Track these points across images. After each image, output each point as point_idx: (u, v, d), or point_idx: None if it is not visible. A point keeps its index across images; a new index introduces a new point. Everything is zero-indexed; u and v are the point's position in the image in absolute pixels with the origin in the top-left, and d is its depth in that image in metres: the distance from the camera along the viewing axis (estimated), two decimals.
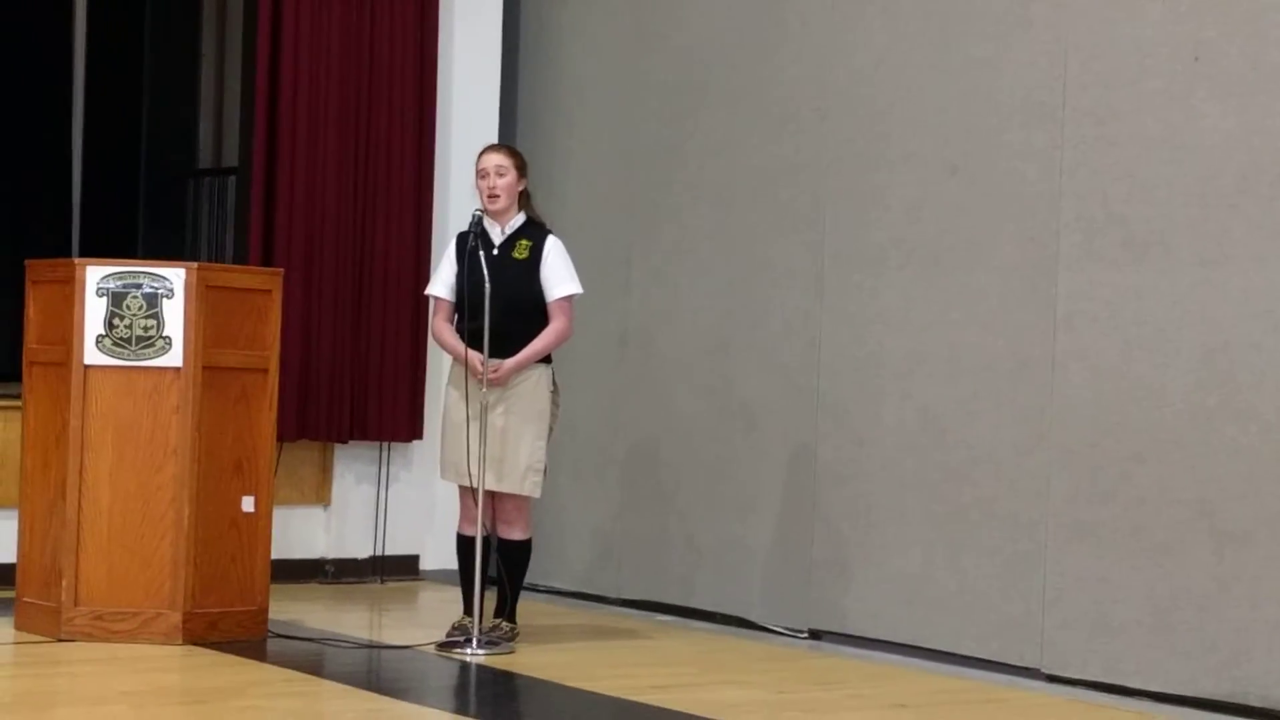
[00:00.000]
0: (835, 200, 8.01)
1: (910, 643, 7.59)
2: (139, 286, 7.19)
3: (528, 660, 7.13)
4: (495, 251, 7.34)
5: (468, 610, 7.36)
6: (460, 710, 6.53)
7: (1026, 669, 7.18)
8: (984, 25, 7.49)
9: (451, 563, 7.70)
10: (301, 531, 9.06)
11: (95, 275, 7.18)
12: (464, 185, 8.62)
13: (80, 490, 7.15)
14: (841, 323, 7.95)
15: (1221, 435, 6.66)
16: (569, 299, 7.39)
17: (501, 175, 7.38)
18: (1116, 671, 6.90)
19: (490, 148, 7.59)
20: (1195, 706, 6.64)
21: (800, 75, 8.19)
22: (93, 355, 7.17)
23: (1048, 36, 7.26)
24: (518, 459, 7.30)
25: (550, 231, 7.49)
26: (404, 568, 9.31)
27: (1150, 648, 6.81)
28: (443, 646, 7.28)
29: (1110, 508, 6.96)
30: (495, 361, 7.23)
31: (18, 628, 7.34)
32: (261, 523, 7.39)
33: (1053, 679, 7.08)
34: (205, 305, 7.22)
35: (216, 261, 10.06)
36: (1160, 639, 6.78)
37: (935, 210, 7.63)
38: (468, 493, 7.35)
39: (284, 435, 8.37)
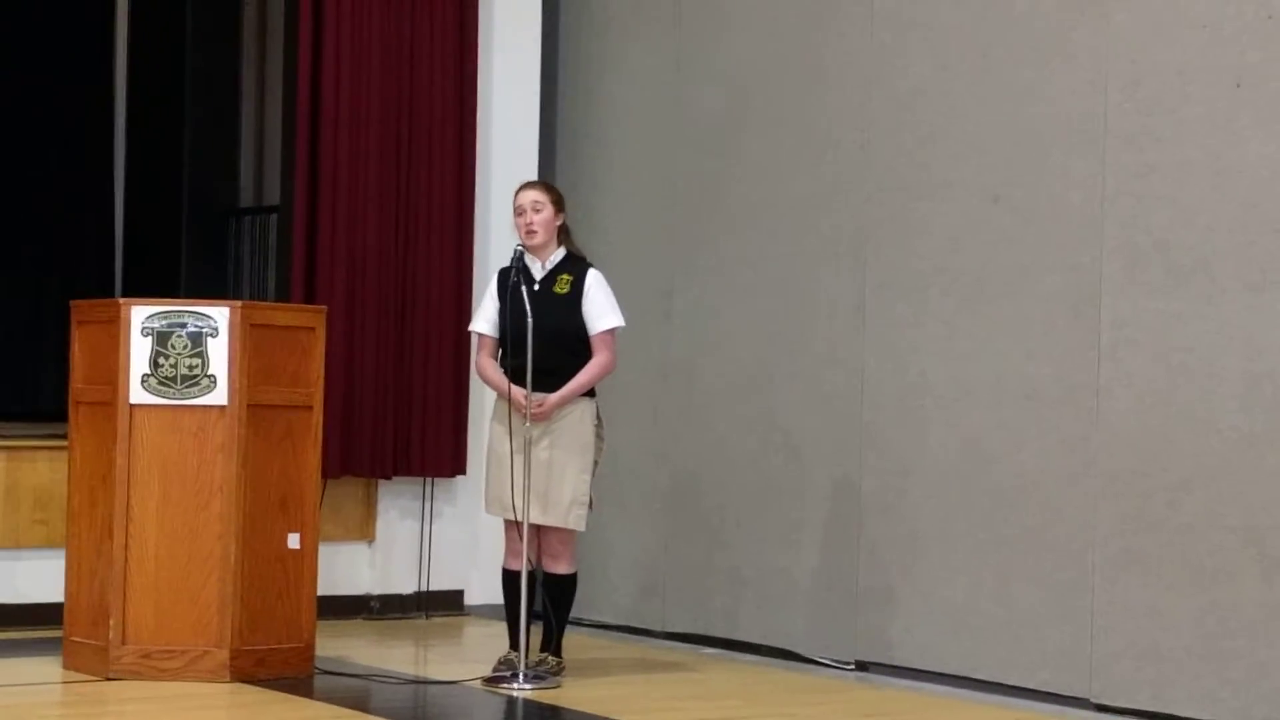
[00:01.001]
0: (877, 229, 8.00)
1: (958, 673, 7.56)
2: (183, 325, 7.22)
3: (574, 694, 7.12)
4: (536, 287, 7.35)
5: (514, 645, 7.35)
6: None
7: (1075, 699, 7.13)
8: (1025, 53, 7.48)
9: (496, 597, 7.70)
10: (346, 568, 9.06)
11: (140, 315, 7.21)
12: (505, 220, 8.63)
13: (127, 529, 7.17)
14: (884, 352, 7.94)
15: (1269, 461, 6.62)
16: (612, 332, 7.40)
17: (538, 211, 7.40)
18: (1166, 700, 6.85)
19: (526, 184, 7.61)
20: None
21: (841, 104, 8.19)
22: (138, 394, 7.19)
23: (1089, 64, 7.24)
24: (562, 493, 7.30)
25: (591, 265, 7.50)
26: (449, 603, 9.31)
27: (1200, 676, 6.76)
28: (489, 681, 7.28)
29: (1158, 535, 6.92)
30: (539, 396, 7.24)
31: (66, 667, 7.36)
32: (307, 559, 7.40)
33: (1102, 708, 7.04)
34: (249, 343, 7.24)
35: (259, 299, 10.10)
36: (1210, 667, 6.74)
37: (978, 238, 7.61)
38: (513, 527, 7.35)
39: (328, 472, 8.36)
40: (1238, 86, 6.78)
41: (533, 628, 7.36)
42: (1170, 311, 6.93)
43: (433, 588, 9.26)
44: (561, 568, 7.44)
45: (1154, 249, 7.00)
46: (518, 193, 7.51)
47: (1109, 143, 7.16)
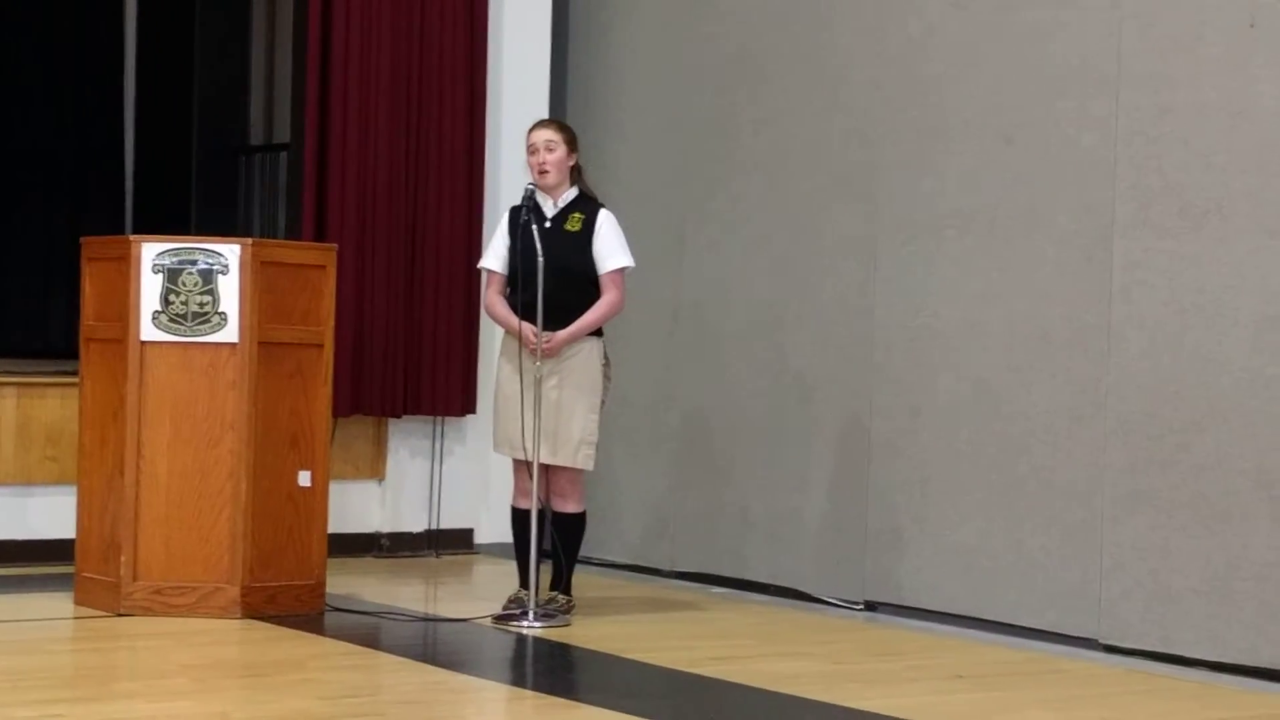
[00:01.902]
0: (889, 170, 7.98)
1: (967, 614, 7.57)
2: (194, 263, 7.22)
3: (584, 633, 7.14)
4: (548, 225, 7.34)
5: (523, 583, 7.37)
6: (517, 682, 6.55)
7: (1084, 639, 7.15)
8: None
9: (506, 536, 7.72)
10: (356, 506, 9.08)
11: (151, 252, 7.21)
12: (515, 159, 8.61)
13: (138, 466, 7.18)
14: (896, 293, 7.93)
15: None
16: (621, 272, 7.39)
17: (551, 150, 7.39)
18: (1175, 641, 6.87)
19: (539, 123, 7.60)
20: (1255, 676, 6.61)
21: (853, 44, 8.16)
22: (149, 331, 7.20)
23: (1103, 4, 7.21)
24: (571, 432, 7.31)
25: (602, 205, 7.49)
26: (459, 541, 9.34)
27: (1209, 617, 6.77)
28: (499, 619, 7.30)
29: (1168, 477, 6.92)
30: (547, 333, 7.24)
31: (77, 603, 7.39)
32: (318, 497, 7.42)
33: (1111, 649, 7.05)
34: (260, 281, 7.24)
35: (269, 237, 10.09)
36: (1219, 608, 6.75)
37: (990, 179, 7.59)
38: (522, 466, 7.36)
39: (338, 410, 8.38)
40: (1252, 27, 6.74)
41: (542, 566, 7.38)
42: (1183, 253, 6.91)
43: (443, 526, 9.29)
44: (570, 507, 7.45)
45: (1167, 191, 6.98)
46: (531, 131, 7.49)
47: (1123, 83, 7.12)
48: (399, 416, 9.11)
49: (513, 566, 7.58)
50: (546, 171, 7.38)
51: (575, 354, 7.33)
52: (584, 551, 7.76)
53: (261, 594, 7.22)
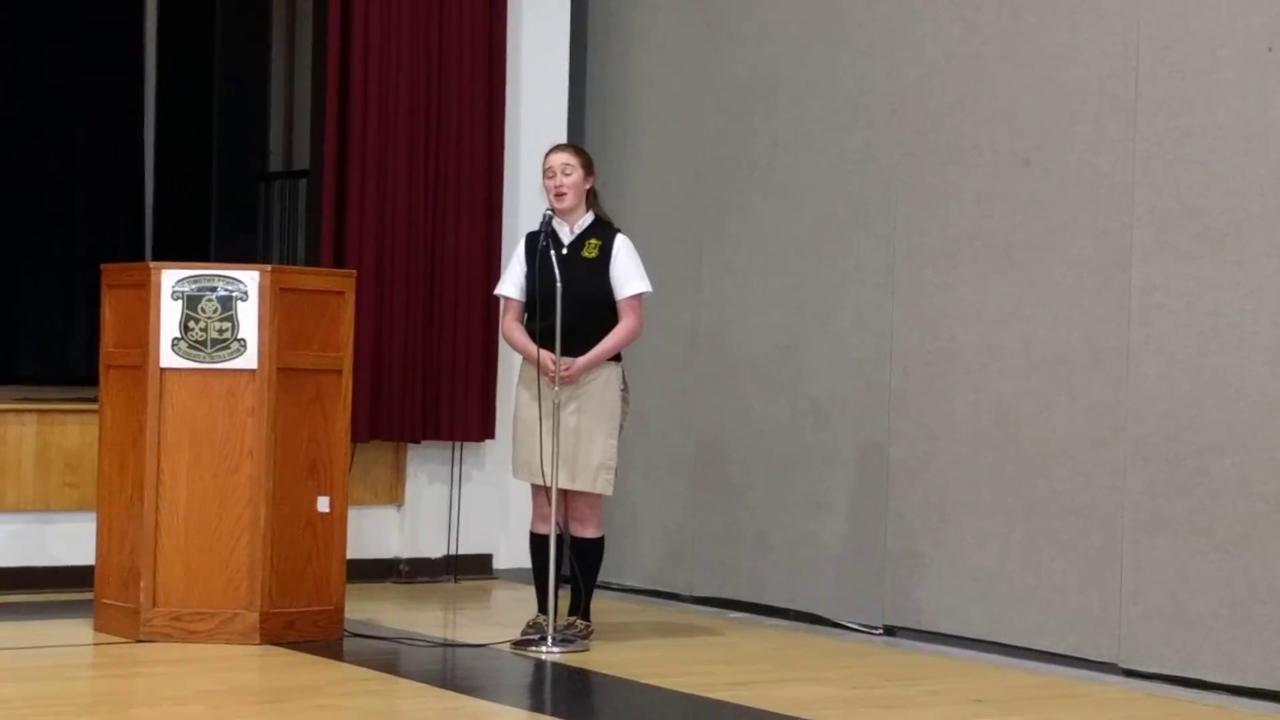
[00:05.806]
0: (907, 194, 7.99)
1: (986, 638, 7.56)
2: (214, 289, 7.24)
3: (602, 658, 7.14)
4: (565, 251, 7.36)
5: (542, 608, 7.38)
6: (536, 708, 6.55)
7: (1104, 664, 7.14)
8: (1056, 16, 7.45)
9: (525, 561, 7.72)
10: (375, 531, 9.09)
11: (170, 279, 7.23)
12: (534, 185, 8.63)
13: (157, 492, 7.20)
14: (913, 317, 7.93)
15: None
16: (638, 297, 7.40)
17: (568, 174, 7.41)
18: (1195, 665, 6.85)
19: (556, 147, 7.62)
20: (1275, 699, 6.59)
21: (870, 69, 8.17)
22: (168, 358, 7.22)
23: (1120, 27, 7.21)
24: (590, 457, 7.31)
25: (619, 230, 7.50)
26: (477, 567, 9.34)
27: (1229, 641, 6.76)
28: (518, 645, 7.30)
29: (1187, 500, 6.91)
30: (566, 360, 7.25)
31: (97, 629, 7.40)
32: (337, 523, 7.43)
33: (1130, 674, 7.04)
34: (279, 307, 7.26)
35: (288, 264, 10.11)
36: (1239, 632, 6.73)
37: (1008, 203, 7.59)
38: (540, 491, 7.36)
39: (357, 436, 8.39)
40: (1269, 51, 6.75)
41: (561, 591, 7.38)
42: (1201, 277, 6.91)
43: (461, 551, 9.30)
44: (589, 532, 7.46)
45: (1185, 214, 6.97)
46: (548, 155, 7.51)
47: (1140, 107, 7.13)
48: (418, 442, 9.12)
49: (531, 592, 7.58)
50: (564, 194, 7.39)
51: (594, 380, 7.34)
52: (602, 576, 7.76)
53: (280, 620, 7.23)
